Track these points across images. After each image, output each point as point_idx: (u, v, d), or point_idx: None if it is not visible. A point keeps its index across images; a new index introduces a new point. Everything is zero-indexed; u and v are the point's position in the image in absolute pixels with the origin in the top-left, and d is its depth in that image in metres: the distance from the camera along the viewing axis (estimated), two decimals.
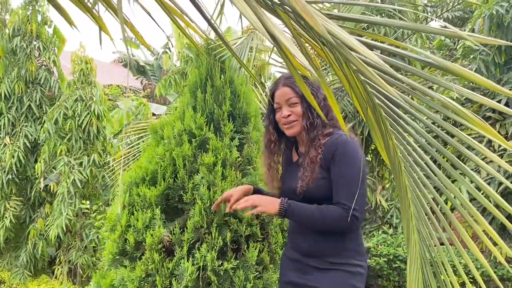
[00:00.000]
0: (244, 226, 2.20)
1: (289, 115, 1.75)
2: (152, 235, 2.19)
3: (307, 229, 1.76)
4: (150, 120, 3.80)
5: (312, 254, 1.75)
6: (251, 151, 2.43)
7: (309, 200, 1.71)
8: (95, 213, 5.23)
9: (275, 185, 1.88)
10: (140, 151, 4.31)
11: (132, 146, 3.75)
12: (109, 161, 5.91)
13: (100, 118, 5.89)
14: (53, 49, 6.53)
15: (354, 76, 1.41)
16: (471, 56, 4.24)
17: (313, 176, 1.69)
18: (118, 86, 9.38)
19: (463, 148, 1.34)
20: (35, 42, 6.39)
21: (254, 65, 3.62)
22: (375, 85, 1.43)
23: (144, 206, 2.30)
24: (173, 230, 2.24)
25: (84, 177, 5.63)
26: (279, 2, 1.15)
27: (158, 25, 1.24)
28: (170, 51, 12.20)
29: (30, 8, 6.35)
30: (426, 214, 1.46)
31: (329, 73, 4.33)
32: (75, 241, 5.89)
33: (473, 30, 4.20)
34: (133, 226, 2.28)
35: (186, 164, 2.32)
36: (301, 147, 1.87)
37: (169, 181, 2.31)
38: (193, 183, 2.28)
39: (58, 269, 5.81)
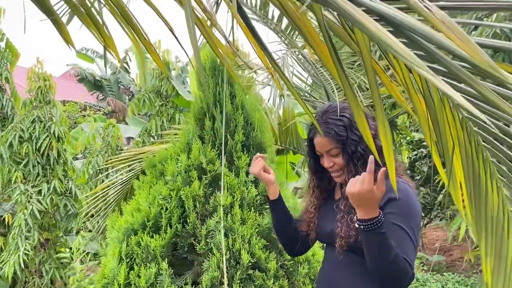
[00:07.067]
0: (272, 280, 1.85)
1: (332, 166, 1.51)
2: None
3: (342, 277, 1.47)
4: (142, 149, 3.35)
5: None
6: None
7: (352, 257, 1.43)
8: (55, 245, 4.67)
9: (308, 213, 1.61)
10: (114, 182, 3.84)
11: (112, 180, 3.30)
12: (71, 187, 5.36)
13: (61, 141, 5.34)
14: (5, 64, 5.90)
15: (451, 113, 1.13)
16: None
17: (350, 229, 1.42)
18: (75, 103, 8.71)
19: None
20: None
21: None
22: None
23: (147, 259, 1.90)
24: (184, 287, 1.86)
25: (44, 207, 5.05)
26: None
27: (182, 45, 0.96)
28: (129, 67, 11.66)
29: None
30: None
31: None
32: (33, 277, 5.25)
33: None
34: (134, 284, 1.87)
35: (197, 206, 1.95)
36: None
37: (176, 227, 1.93)
38: (206, 229, 1.92)
39: None
